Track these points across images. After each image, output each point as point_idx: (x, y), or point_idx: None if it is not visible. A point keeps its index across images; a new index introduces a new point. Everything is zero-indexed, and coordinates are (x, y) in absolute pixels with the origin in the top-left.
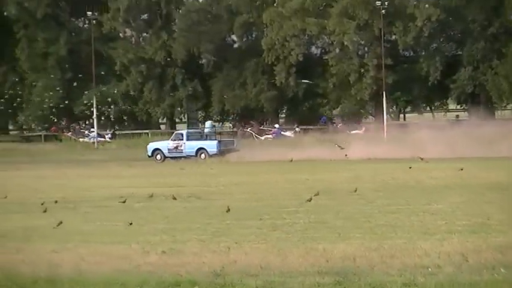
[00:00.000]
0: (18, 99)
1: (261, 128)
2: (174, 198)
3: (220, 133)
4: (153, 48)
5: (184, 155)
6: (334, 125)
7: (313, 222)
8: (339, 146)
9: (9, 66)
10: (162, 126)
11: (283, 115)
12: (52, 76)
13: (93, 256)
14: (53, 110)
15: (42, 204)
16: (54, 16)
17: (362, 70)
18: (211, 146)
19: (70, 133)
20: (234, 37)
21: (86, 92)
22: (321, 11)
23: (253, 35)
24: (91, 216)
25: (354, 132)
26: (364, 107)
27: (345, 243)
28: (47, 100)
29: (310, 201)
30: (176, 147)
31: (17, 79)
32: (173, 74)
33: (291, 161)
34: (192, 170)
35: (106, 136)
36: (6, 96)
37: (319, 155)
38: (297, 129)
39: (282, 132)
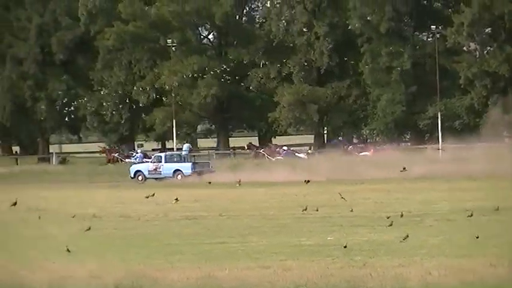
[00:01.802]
0: (363, 112)
1: (273, 150)
2: None
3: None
4: (497, 61)
5: (163, 176)
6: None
7: None
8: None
9: (352, 80)
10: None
11: None
12: (395, 90)
13: (439, 269)
14: (397, 123)
15: (387, 218)
16: (397, 30)
17: None
18: (186, 167)
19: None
20: None
21: (429, 106)
22: None
23: None
24: (436, 229)
25: (362, 154)
26: None
27: None
28: (390, 114)
29: None
30: (155, 169)
31: (360, 93)
32: None
33: None
34: None
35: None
36: (352, 109)
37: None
38: (309, 150)
39: (296, 154)
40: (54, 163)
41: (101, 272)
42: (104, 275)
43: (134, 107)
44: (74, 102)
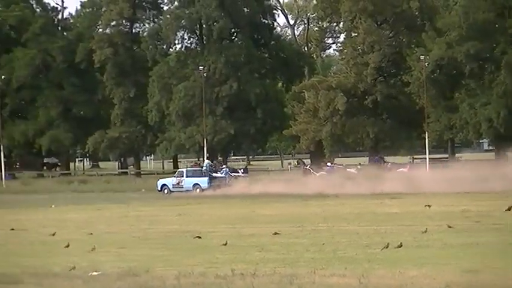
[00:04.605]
0: None
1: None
2: None
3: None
4: None
5: (185, 189)
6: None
7: None
8: None
9: None
10: None
11: None
12: None
13: None
14: None
15: None
16: None
17: None
18: (203, 181)
19: None
20: None
21: None
22: None
23: None
24: None
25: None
26: None
27: None
28: None
29: None
30: (178, 183)
31: None
32: None
33: None
34: None
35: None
36: None
37: None
38: (358, 166)
39: (348, 170)
40: None
41: None
42: None
43: None
44: None
